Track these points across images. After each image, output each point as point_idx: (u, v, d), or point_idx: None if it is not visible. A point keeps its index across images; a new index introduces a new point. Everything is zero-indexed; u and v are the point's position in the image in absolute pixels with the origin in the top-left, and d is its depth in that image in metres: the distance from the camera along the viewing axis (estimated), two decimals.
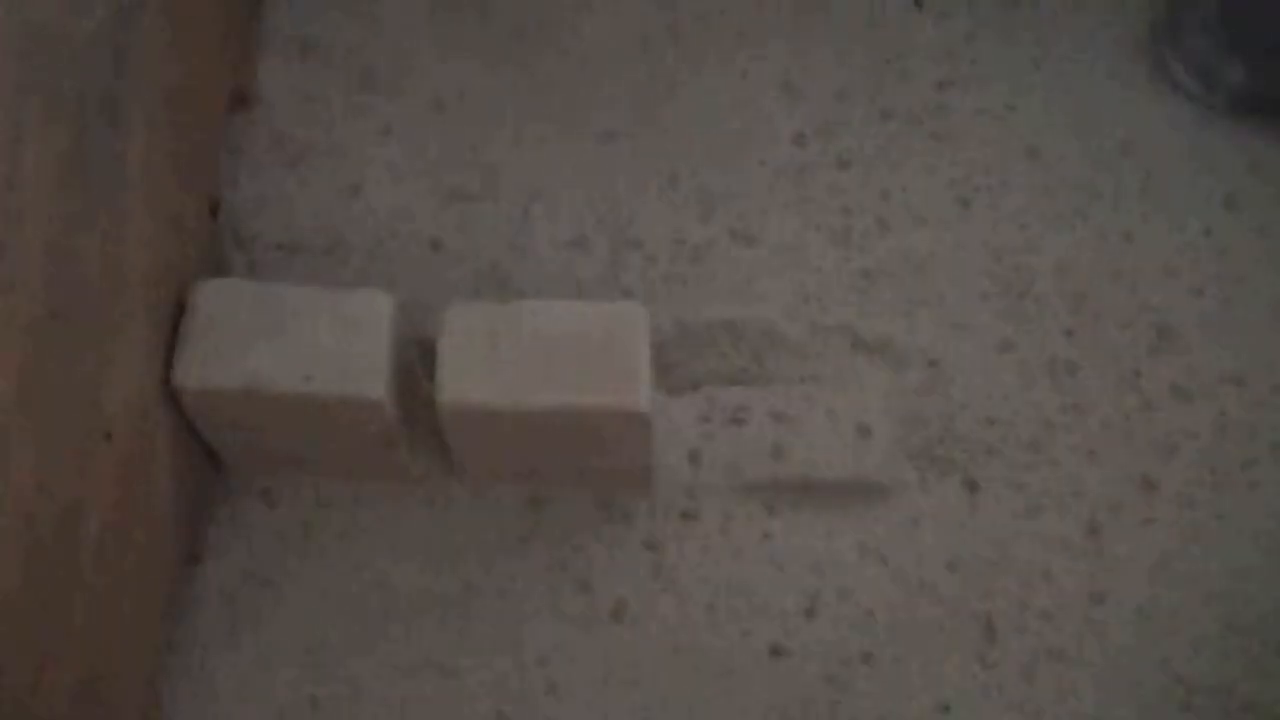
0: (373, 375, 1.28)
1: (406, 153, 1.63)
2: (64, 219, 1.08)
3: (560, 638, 1.38)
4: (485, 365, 1.29)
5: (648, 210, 1.59)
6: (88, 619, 1.15)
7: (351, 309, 1.31)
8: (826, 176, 1.61)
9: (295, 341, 1.29)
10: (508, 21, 1.71)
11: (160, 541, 1.32)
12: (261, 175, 1.60)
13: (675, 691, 1.36)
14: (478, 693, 1.36)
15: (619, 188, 1.61)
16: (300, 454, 1.40)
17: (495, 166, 1.62)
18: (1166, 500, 1.43)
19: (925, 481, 1.45)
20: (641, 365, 1.29)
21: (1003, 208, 1.59)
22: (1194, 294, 1.54)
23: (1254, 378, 1.49)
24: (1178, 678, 1.36)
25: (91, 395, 1.15)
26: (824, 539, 1.42)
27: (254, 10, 1.68)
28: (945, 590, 1.40)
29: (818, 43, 1.70)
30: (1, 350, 0.98)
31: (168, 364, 1.28)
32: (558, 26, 1.71)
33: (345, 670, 1.37)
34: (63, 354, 1.09)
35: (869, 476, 1.43)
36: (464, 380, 1.29)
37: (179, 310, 1.31)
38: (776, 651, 1.38)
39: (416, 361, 1.40)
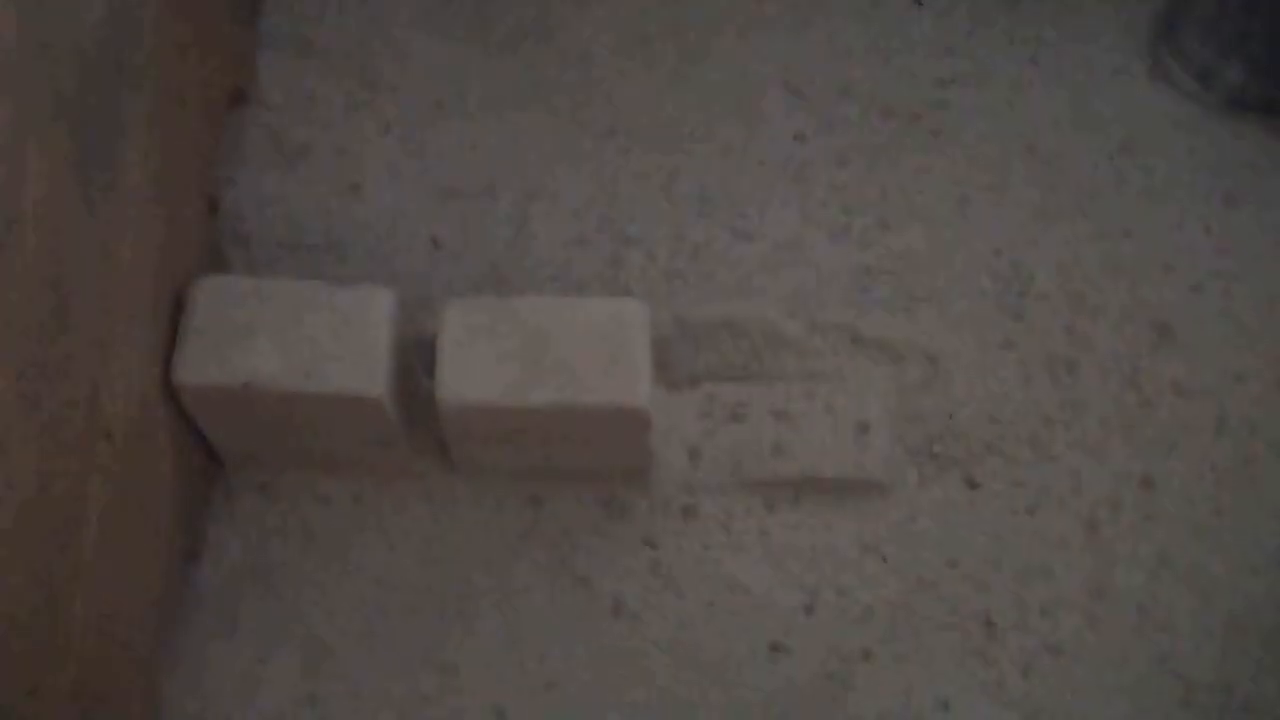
0: (372, 372, 1.28)
1: (406, 151, 1.63)
2: (64, 217, 1.09)
3: (560, 634, 1.38)
4: (485, 363, 1.29)
5: (647, 208, 1.59)
6: (87, 615, 1.16)
7: (351, 306, 1.31)
8: (826, 174, 1.61)
9: (295, 339, 1.29)
10: (507, 20, 1.71)
11: (159, 538, 1.32)
12: (261, 173, 1.60)
13: (675, 688, 1.36)
14: (476, 689, 1.36)
15: (619, 186, 1.61)
16: (299, 451, 1.40)
17: (495, 165, 1.62)
18: (1166, 497, 1.43)
19: (925, 479, 1.45)
20: (641, 363, 1.29)
21: (1002, 205, 1.59)
22: (1193, 291, 1.54)
23: (1253, 374, 1.49)
24: (1177, 675, 1.36)
25: (91, 393, 1.15)
26: (824, 536, 1.42)
27: (253, 9, 1.68)
28: (945, 587, 1.40)
29: (818, 40, 1.70)
30: (2, 349, 0.98)
31: (167, 361, 1.29)
32: (557, 25, 1.71)
33: (344, 667, 1.37)
34: (63, 352, 1.09)
35: (869, 473, 1.43)
36: (463, 378, 1.29)
37: (178, 308, 1.31)
38: (776, 648, 1.38)
39: (416, 359, 1.40)
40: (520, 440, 1.35)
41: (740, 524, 1.42)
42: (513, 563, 1.41)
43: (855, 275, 1.55)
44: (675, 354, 1.49)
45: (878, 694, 1.36)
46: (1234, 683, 1.35)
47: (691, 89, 1.67)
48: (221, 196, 1.56)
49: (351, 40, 1.70)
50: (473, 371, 1.29)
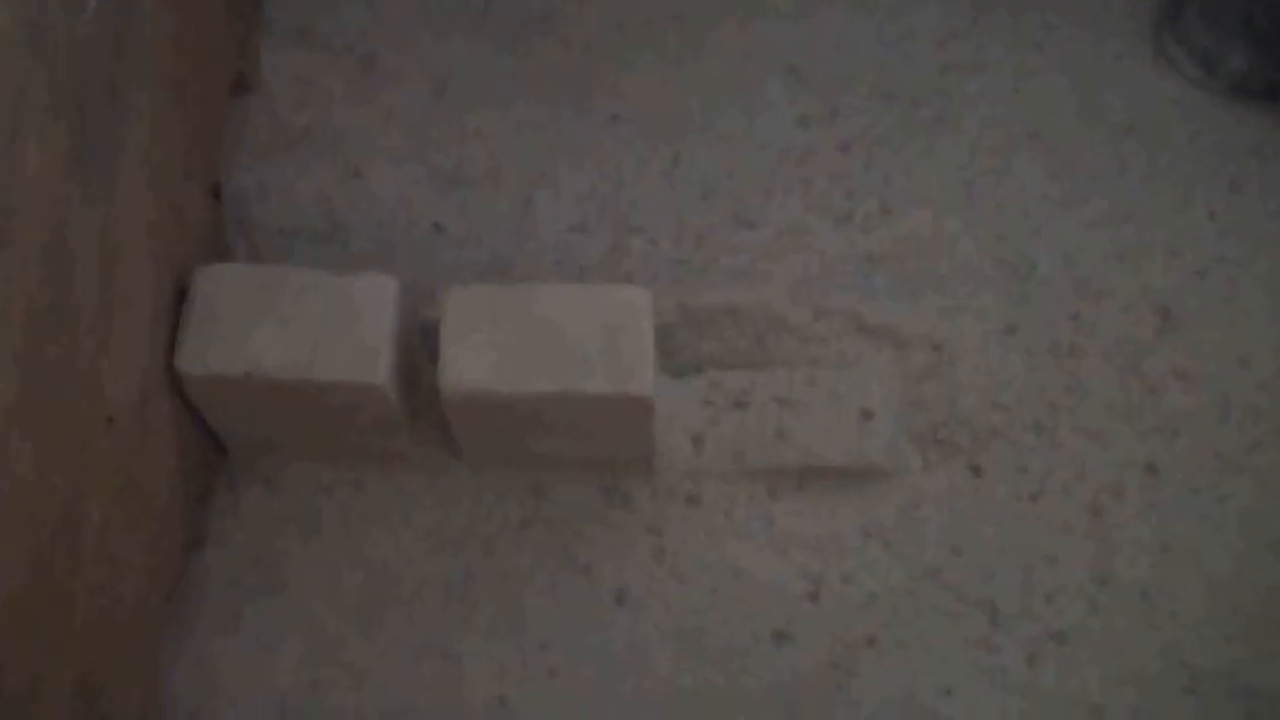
0: (375, 360, 1.28)
1: (408, 138, 1.63)
2: (66, 206, 1.08)
3: (563, 622, 1.38)
4: (488, 350, 1.29)
5: (650, 194, 1.59)
6: (91, 604, 1.16)
7: (354, 294, 1.31)
8: (829, 160, 1.61)
9: (298, 326, 1.29)
10: (509, 5, 1.71)
11: (162, 526, 1.32)
12: (263, 161, 1.60)
13: (678, 676, 1.36)
14: (480, 677, 1.36)
15: (621, 172, 1.60)
16: (302, 438, 1.40)
17: (497, 151, 1.62)
18: (1170, 484, 1.43)
19: (929, 465, 1.44)
20: (645, 350, 1.29)
21: (1006, 191, 1.59)
22: (1198, 277, 1.53)
23: (1257, 360, 1.48)
24: (1180, 661, 1.36)
25: (94, 382, 1.15)
26: (827, 523, 1.42)
27: None
28: (949, 574, 1.40)
29: (821, 26, 1.70)
30: (4, 337, 0.98)
31: (170, 349, 1.28)
32: (560, 12, 1.71)
33: (347, 655, 1.37)
34: (65, 340, 1.09)
35: (872, 460, 1.43)
36: (466, 365, 1.28)
37: (181, 295, 1.31)
38: (780, 636, 1.38)
39: (418, 346, 1.40)
40: (523, 428, 1.35)
41: (744, 511, 1.42)
42: (516, 550, 1.41)
43: (858, 262, 1.55)
44: (678, 341, 1.49)
45: (881, 681, 1.36)
46: (1238, 668, 1.35)
47: (694, 76, 1.67)
48: (224, 184, 1.55)
49: (354, 27, 1.69)
50: (475, 359, 1.29)
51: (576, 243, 1.56)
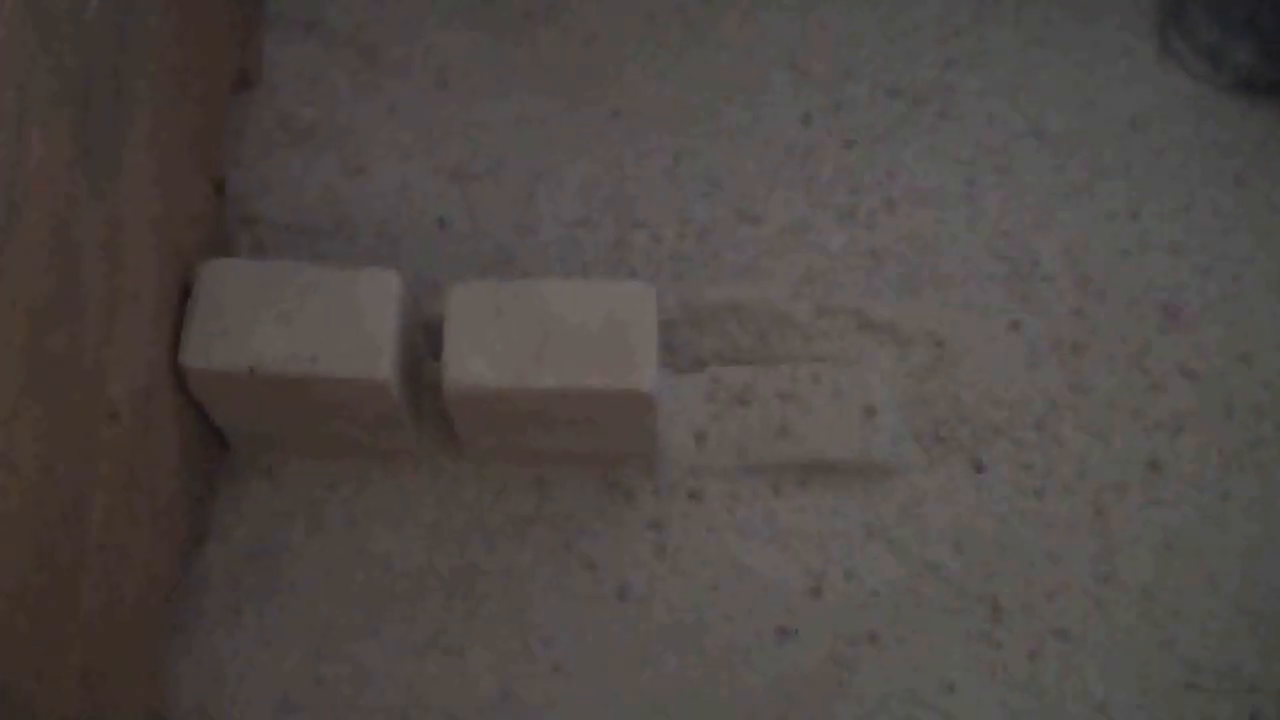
0: (378, 355, 1.28)
1: (412, 132, 1.62)
2: (69, 200, 1.08)
3: (565, 618, 1.38)
4: (491, 345, 1.29)
5: (653, 190, 1.59)
6: (93, 600, 1.16)
7: (358, 288, 1.31)
8: (832, 156, 1.61)
9: (301, 321, 1.29)
10: (513, 1, 1.71)
11: (165, 521, 1.32)
12: (267, 155, 1.60)
13: (680, 671, 1.36)
14: (482, 672, 1.36)
15: (624, 167, 1.60)
16: (306, 434, 1.40)
17: (500, 146, 1.62)
18: (1173, 481, 1.43)
19: (931, 462, 1.44)
20: (648, 346, 1.29)
21: (1009, 187, 1.58)
22: (1202, 273, 1.53)
23: (1262, 357, 1.48)
24: (1183, 659, 1.36)
25: (97, 376, 1.15)
26: (830, 519, 1.42)
27: None
28: (951, 570, 1.40)
29: (824, 21, 1.69)
30: (6, 332, 0.98)
31: (173, 344, 1.28)
32: (563, 6, 1.70)
33: (350, 650, 1.37)
34: (69, 334, 1.09)
35: (875, 457, 1.43)
36: (469, 360, 1.28)
37: (185, 290, 1.31)
38: (782, 632, 1.38)
39: (421, 341, 1.40)
40: (526, 423, 1.35)
41: (746, 507, 1.42)
42: (518, 546, 1.41)
43: (862, 258, 1.54)
44: (681, 337, 1.49)
45: (883, 677, 1.36)
46: (1240, 666, 1.35)
47: (697, 70, 1.67)
48: (227, 178, 1.55)
49: (357, 21, 1.69)
50: (478, 354, 1.29)
51: (579, 238, 1.56)
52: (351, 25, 1.69)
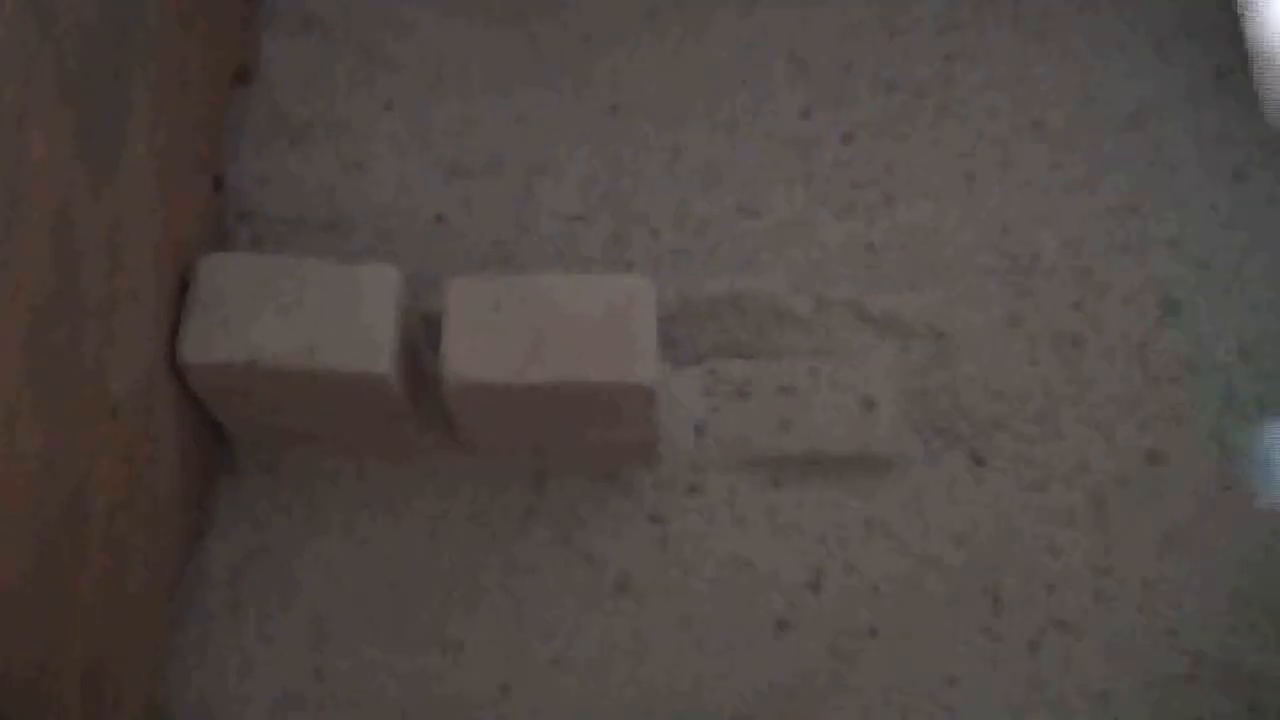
0: (378, 349, 1.28)
1: (409, 127, 1.62)
2: (72, 192, 1.08)
3: (565, 611, 1.39)
4: (490, 339, 1.29)
5: (652, 184, 1.59)
6: (94, 595, 1.16)
7: (356, 283, 1.31)
8: (832, 149, 1.61)
9: (300, 316, 1.29)
10: None
11: (166, 517, 1.32)
12: (265, 150, 1.60)
13: (680, 664, 1.36)
14: (481, 666, 1.36)
15: (623, 161, 1.60)
16: (305, 428, 1.40)
17: (498, 140, 1.62)
18: (1173, 473, 1.43)
19: (931, 455, 1.44)
20: (647, 339, 1.29)
21: (1009, 181, 1.58)
22: (1201, 267, 1.53)
23: (1261, 351, 1.48)
24: (1183, 650, 1.36)
25: (97, 371, 1.15)
26: (830, 512, 1.42)
27: None
28: (951, 563, 1.40)
29: (824, 15, 1.69)
30: (7, 327, 0.98)
31: (173, 339, 1.28)
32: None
33: (350, 644, 1.37)
34: (68, 330, 1.09)
35: (875, 450, 1.43)
36: (468, 354, 1.28)
37: (184, 285, 1.31)
38: (782, 625, 1.38)
39: (421, 335, 1.40)
40: (525, 417, 1.35)
41: (746, 501, 1.42)
42: (518, 540, 1.41)
43: (861, 251, 1.54)
44: (680, 331, 1.49)
45: (883, 670, 1.36)
46: (1240, 658, 1.35)
47: (696, 64, 1.67)
48: (226, 174, 1.55)
49: (355, 17, 1.69)
50: (477, 349, 1.29)
51: (578, 232, 1.56)
52: (349, 22, 1.69)
